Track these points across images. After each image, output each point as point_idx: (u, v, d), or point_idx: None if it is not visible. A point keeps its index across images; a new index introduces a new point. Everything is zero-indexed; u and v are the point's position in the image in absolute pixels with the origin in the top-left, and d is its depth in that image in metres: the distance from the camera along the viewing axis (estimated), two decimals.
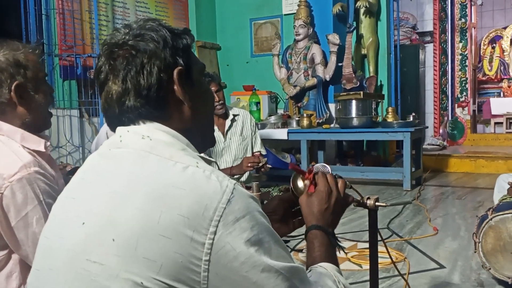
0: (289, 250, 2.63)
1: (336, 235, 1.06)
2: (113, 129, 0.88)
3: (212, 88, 3.13)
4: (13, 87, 1.31)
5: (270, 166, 3.50)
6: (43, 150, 1.36)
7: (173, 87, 0.85)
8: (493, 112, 8.84)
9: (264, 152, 3.65)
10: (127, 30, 0.86)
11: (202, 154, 0.87)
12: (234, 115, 3.58)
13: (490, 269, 2.11)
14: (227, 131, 3.53)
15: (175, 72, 0.85)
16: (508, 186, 2.71)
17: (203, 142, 0.95)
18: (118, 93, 0.84)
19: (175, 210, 0.72)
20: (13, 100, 1.32)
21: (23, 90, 1.33)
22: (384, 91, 6.14)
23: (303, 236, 1.03)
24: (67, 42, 4.95)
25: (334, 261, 0.98)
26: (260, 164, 3.33)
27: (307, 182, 1.06)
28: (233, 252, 0.72)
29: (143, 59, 0.83)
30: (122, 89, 0.83)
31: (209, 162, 0.83)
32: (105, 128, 2.50)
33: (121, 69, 0.83)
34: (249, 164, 3.31)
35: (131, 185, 0.76)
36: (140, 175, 0.77)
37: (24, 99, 1.34)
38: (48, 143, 1.40)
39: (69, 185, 0.88)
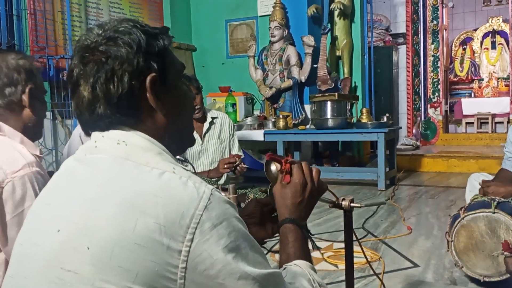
0: (266, 251, 2.64)
1: (312, 235, 1.07)
2: (87, 133, 0.86)
3: None
4: (27, 90, 1.39)
5: (246, 166, 3.49)
6: (40, 155, 1.39)
7: (146, 94, 0.82)
8: (465, 113, 9.04)
9: (242, 156, 3.63)
10: (100, 32, 0.83)
11: (177, 156, 0.86)
12: (213, 118, 3.56)
13: (462, 267, 2.15)
14: (205, 133, 3.51)
15: (148, 79, 0.82)
16: (479, 186, 2.77)
17: (180, 146, 0.93)
18: (88, 100, 0.81)
19: (151, 218, 0.71)
20: (22, 102, 1.40)
21: (33, 95, 1.41)
22: (359, 92, 6.20)
23: (279, 238, 1.03)
24: (39, 43, 4.85)
25: (308, 257, 0.98)
26: (236, 163, 3.32)
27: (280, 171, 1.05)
28: (210, 260, 0.72)
29: (114, 66, 0.80)
30: (92, 97, 0.81)
31: (184, 165, 0.83)
32: (78, 130, 2.46)
33: (91, 75, 0.80)
34: (225, 166, 3.29)
35: (106, 192, 0.75)
36: (115, 182, 0.75)
37: (33, 103, 1.42)
38: (42, 151, 1.46)
39: (44, 190, 0.86)
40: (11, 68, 1.38)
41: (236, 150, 3.67)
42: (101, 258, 0.70)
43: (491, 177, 2.82)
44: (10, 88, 1.38)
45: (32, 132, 1.43)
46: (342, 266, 2.35)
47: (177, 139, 0.90)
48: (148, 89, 0.82)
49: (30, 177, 1.26)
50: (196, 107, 3.33)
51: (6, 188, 1.23)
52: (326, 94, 5.15)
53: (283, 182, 1.03)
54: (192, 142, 0.98)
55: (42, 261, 0.75)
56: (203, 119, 3.51)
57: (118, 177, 0.76)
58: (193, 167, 3.18)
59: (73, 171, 0.83)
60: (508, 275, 2.02)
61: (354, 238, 1.29)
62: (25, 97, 1.39)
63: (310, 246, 1.03)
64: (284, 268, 0.94)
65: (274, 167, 1.07)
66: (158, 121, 0.85)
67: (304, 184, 1.03)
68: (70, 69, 0.84)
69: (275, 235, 1.15)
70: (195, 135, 3.40)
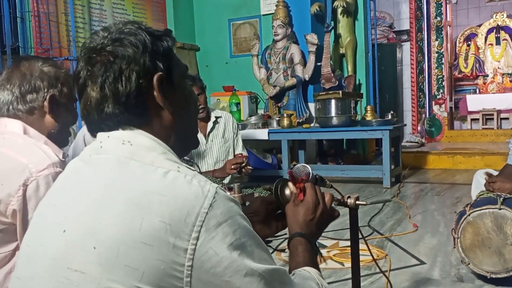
0: (272, 250, 2.64)
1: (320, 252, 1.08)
2: (93, 135, 0.86)
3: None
4: (48, 97, 1.41)
5: (251, 167, 3.49)
6: (62, 159, 1.42)
7: (153, 93, 0.83)
8: (470, 109, 8.99)
9: (247, 156, 3.64)
10: (106, 34, 0.84)
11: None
12: (217, 117, 3.57)
13: (469, 264, 2.15)
14: (209, 133, 3.52)
15: (155, 78, 0.83)
16: (485, 182, 2.76)
17: (185, 146, 0.94)
18: (96, 100, 0.82)
19: (156, 217, 0.71)
20: (44, 108, 1.41)
21: (56, 102, 1.42)
22: (363, 90, 6.19)
23: (285, 236, 1.04)
24: (43, 45, 4.87)
25: (317, 267, 0.99)
26: (243, 164, 3.32)
27: (295, 192, 1.07)
28: (216, 257, 0.72)
29: (122, 65, 0.81)
30: (100, 96, 0.82)
31: (190, 164, 0.83)
32: (82, 132, 2.47)
33: (99, 75, 0.81)
34: (232, 166, 3.30)
35: (112, 191, 0.75)
36: (120, 182, 0.76)
37: (55, 111, 1.43)
38: (66, 154, 1.49)
39: (50, 191, 0.87)
40: (34, 75, 1.40)
41: (240, 149, 3.68)
42: (107, 257, 0.71)
43: (496, 173, 2.81)
44: (31, 94, 1.40)
45: (55, 138, 1.45)
46: (348, 264, 2.35)
47: (182, 139, 0.91)
48: (156, 87, 0.84)
49: (54, 177, 1.28)
50: (200, 107, 3.34)
51: (30, 186, 1.26)
52: (330, 92, 5.15)
53: (296, 201, 1.05)
54: (196, 144, 0.99)
55: (49, 261, 0.76)
56: (207, 119, 3.52)
57: (123, 177, 0.77)
58: (198, 167, 3.19)
59: (79, 171, 0.84)
60: None
61: (360, 236, 1.29)
62: (46, 105, 1.41)
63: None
64: (293, 274, 0.95)
65: (288, 191, 1.09)
66: (165, 120, 0.86)
67: (316, 203, 1.05)
68: (76, 72, 0.86)
69: (279, 233, 1.16)
70: (200, 134, 3.41)
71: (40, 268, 0.77)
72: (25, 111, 1.40)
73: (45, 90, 1.41)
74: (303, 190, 1.06)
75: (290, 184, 1.09)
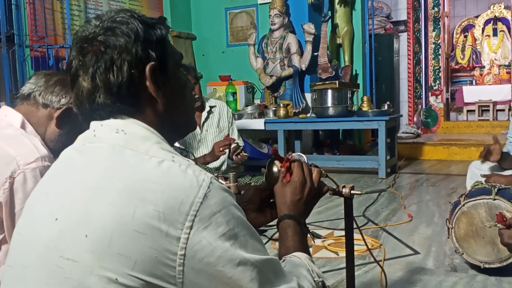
0: (267, 239, 2.64)
1: (313, 223, 1.09)
2: (87, 124, 0.86)
3: None
4: (63, 108, 1.43)
5: (247, 154, 3.49)
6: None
7: (145, 83, 0.82)
8: (466, 100, 9.00)
9: (241, 144, 3.64)
10: (98, 23, 0.83)
11: (177, 144, 0.86)
12: (211, 107, 3.56)
13: (463, 254, 2.16)
14: (204, 123, 3.51)
15: (147, 68, 0.82)
16: (480, 172, 2.77)
17: (180, 134, 0.94)
18: (88, 90, 0.81)
19: (150, 205, 0.71)
20: (55, 113, 1.43)
21: (67, 115, 1.43)
22: (359, 80, 6.18)
23: (278, 234, 1.04)
24: (38, 33, 4.83)
25: (306, 250, 1.00)
26: (233, 146, 3.31)
27: (282, 170, 1.07)
28: (209, 247, 0.72)
29: (113, 55, 0.80)
30: (91, 86, 0.81)
31: (185, 153, 0.83)
32: None
33: (90, 65, 0.80)
34: (221, 148, 3.29)
35: (105, 180, 0.75)
36: (114, 170, 0.76)
37: (62, 125, 1.44)
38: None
39: (43, 180, 0.86)
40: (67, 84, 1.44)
41: (235, 138, 3.67)
42: (100, 245, 0.70)
43: (492, 165, 2.83)
44: (52, 96, 1.43)
45: (51, 146, 1.45)
46: (342, 253, 2.36)
47: (177, 128, 0.91)
48: (148, 78, 0.82)
49: (41, 170, 1.28)
50: (196, 96, 3.33)
51: (17, 179, 1.25)
52: (327, 82, 5.14)
53: (284, 181, 1.05)
54: (193, 127, 0.98)
55: (41, 249, 0.75)
56: (201, 109, 3.51)
57: (118, 165, 0.76)
58: (193, 155, 3.18)
59: (72, 160, 0.83)
60: (508, 262, 2.03)
61: (355, 226, 1.29)
62: (57, 113, 1.43)
63: (311, 241, 1.05)
64: (283, 260, 0.95)
65: (276, 168, 1.09)
66: (159, 110, 0.85)
67: (303, 183, 1.05)
68: (69, 61, 0.85)
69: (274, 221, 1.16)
70: None
71: (32, 256, 0.76)
72: (41, 104, 1.43)
73: (66, 101, 1.43)
74: (290, 170, 1.06)
75: (276, 162, 1.09)
